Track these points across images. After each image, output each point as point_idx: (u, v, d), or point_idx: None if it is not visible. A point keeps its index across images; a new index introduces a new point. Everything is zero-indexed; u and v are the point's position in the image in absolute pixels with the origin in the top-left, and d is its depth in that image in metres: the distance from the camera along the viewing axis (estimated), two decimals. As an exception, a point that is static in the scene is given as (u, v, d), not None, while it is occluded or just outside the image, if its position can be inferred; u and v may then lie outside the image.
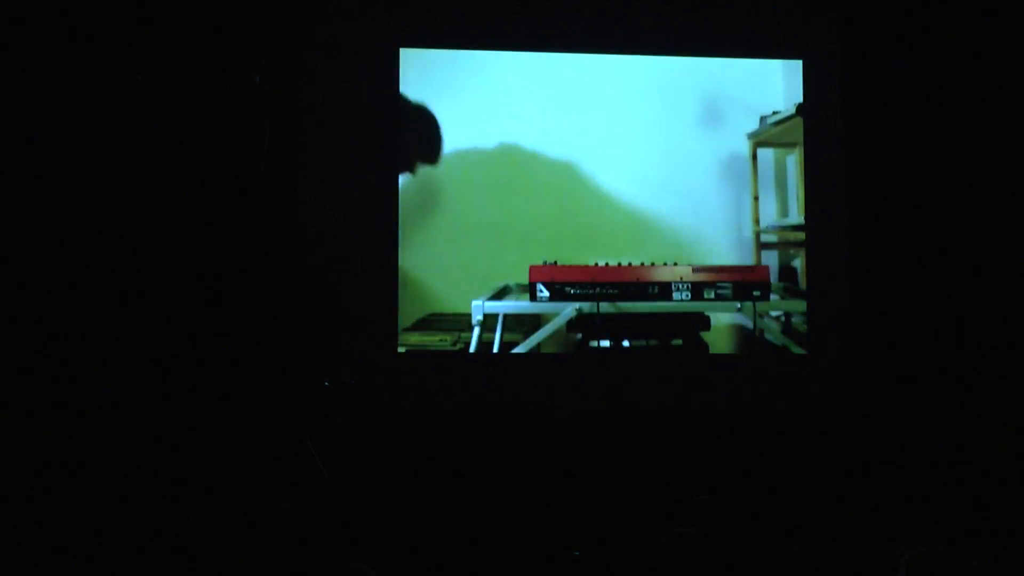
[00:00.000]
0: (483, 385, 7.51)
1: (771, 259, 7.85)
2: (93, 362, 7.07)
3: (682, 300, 7.66)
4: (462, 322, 7.54)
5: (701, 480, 6.98)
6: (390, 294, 7.51)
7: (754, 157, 7.87)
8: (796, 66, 7.91)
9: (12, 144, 7.14)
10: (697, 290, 7.66)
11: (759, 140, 7.88)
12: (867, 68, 7.85)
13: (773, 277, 7.79)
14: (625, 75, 7.82)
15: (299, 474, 6.37)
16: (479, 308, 7.51)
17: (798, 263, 7.87)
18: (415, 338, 7.52)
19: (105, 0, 7.17)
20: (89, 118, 7.18)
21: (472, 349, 7.53)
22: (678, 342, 7.74)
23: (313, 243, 7.46)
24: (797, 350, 7.79)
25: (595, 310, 7.59)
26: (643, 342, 7.71)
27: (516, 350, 7.59)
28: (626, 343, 7.71)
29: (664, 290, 7.65)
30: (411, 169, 7.63)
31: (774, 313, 7.82)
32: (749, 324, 7.73)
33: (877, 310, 7.74)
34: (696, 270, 7.68)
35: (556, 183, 7.73)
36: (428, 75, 7.68)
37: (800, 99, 7.88)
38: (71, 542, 5.56)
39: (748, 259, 7.80)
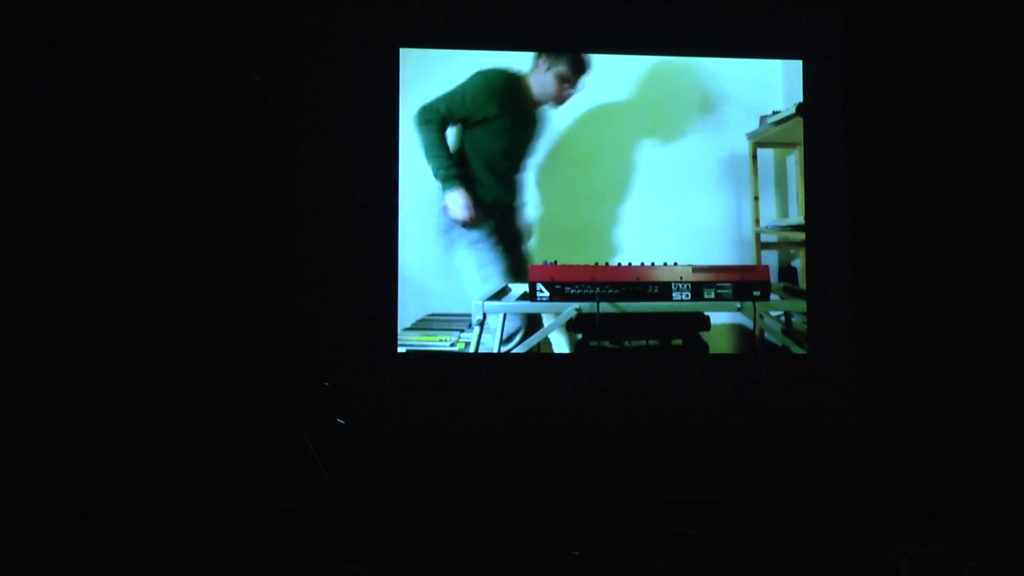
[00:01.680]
0: (483, 385, 7.51)
1: (771, 259, 7.85)
2: (93, 362, 7.07)
3: (682, 300, 7.66)
4: (462, 322, 7.54)
5: (701, 480, 6.98)
6: (390, 294, 7.52)
7: (754, 157, 7.87)
8: (796, 66, 7.91)
9: (12, 144, 7.14)
10: (697, 290, 7.66)
11: (759, 140, 7.88)
12: (867, 68, 7.84)
13: (773, 277, 7.79)
14: (625, 75, 7.81)
15: (299, 474, 6.37)
16: (479, 308, 7.51)
17: (798, 263, 7.87)
18: (415, 338, 7.53)
19: (105, 0, 7.17)
20: (89, 118, 7.18)
21: (472, 349, 7.53)
22: (678, 342, 7.74)
23: (313, 243, 7.46)
24: (797, 350, 7.79)
25: (595, 310, 7.58)
26: (643, 342, 7.71)
27: (516, 350, 7.59)
28: (626, 343, 7.71)
29: (664, 290, 7.65)
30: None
31: (774, 313, 7.82)
32: (749, 324, 7.73)
33: (877, 310, 7.74)
34: (696, 270, 7.68)
35: (556, 183, 7.73)
36: (428, 75, 7.68)
37: (800, 99, 7.88)
38: (71, 542, 5.56)
39: (748, 259, 7.80)
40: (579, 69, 7.72)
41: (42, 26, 7.16)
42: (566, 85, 7.69)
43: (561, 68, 7.68)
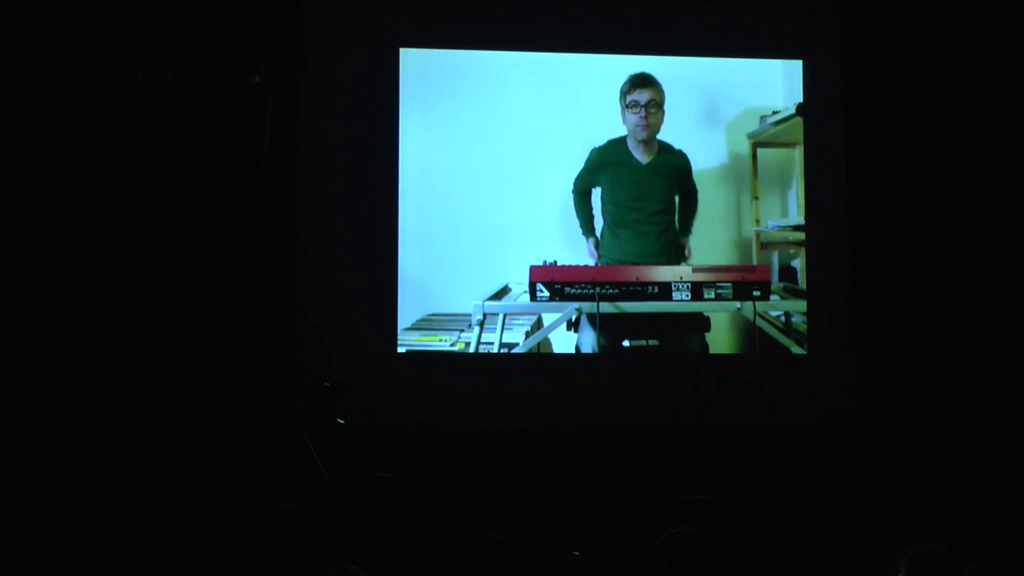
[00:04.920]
0: (483, 385, 7.51)
1: (771, 259, 7.85)
2: (93, 362, 7.07)
3: (682, 300, 7.66)
4: (462, 322, 7.54)
5: (701, 480, 6.98)
6: (390, 294, 7.52)
7: (754, 157, 7.87)
8: (796, 66, 7.91)
9: (12, 144, 7.14)
10: (697, 290, 7.66)
11: (759, 140, 7.88)
12: (867, 68, 7.84)
13: (773, 277, 7.79)
14: (625, 75, 7.80)
15: (299, 474, 6.37)
16: (479, 308, 7.51)
17: (798, 263, 7.86)
18: (415, 338, 7.53)
19: (105, 0, 7.17)
20: (89, 118, 7.18)
21: (472, 349, 7.53)
22: (679, 342, 7.74)
23: (313, 243, 7.46)
24: (797, 350, 7.79)
25: (595, 310, 7.58)
26: (643, 342, 7.71)
27: (516, 350, 7.58)
28: (626, 343, 7.71)
29: (664, 290, 7.65)
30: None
31: (774, 313, 7.82)
32: (749, 324, 7.72)
33: (877, 310, 7.74)
34: (696, 270, 7.68)
35: (557, 183, 7.73)
36: (428, 75, 7.69)
37: (800, 99, 7.88)
38: (70, 542, 5.56)
39: (748, 259, 7.80)
40: (637, 83, 7.73)
41: (42, 26, 7.16)
42: (635, 109, 7.67)
43: (625, 91, 7.72)
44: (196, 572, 5.31)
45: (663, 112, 7.74)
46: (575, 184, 7.70)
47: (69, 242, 7.14)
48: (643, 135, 7.69)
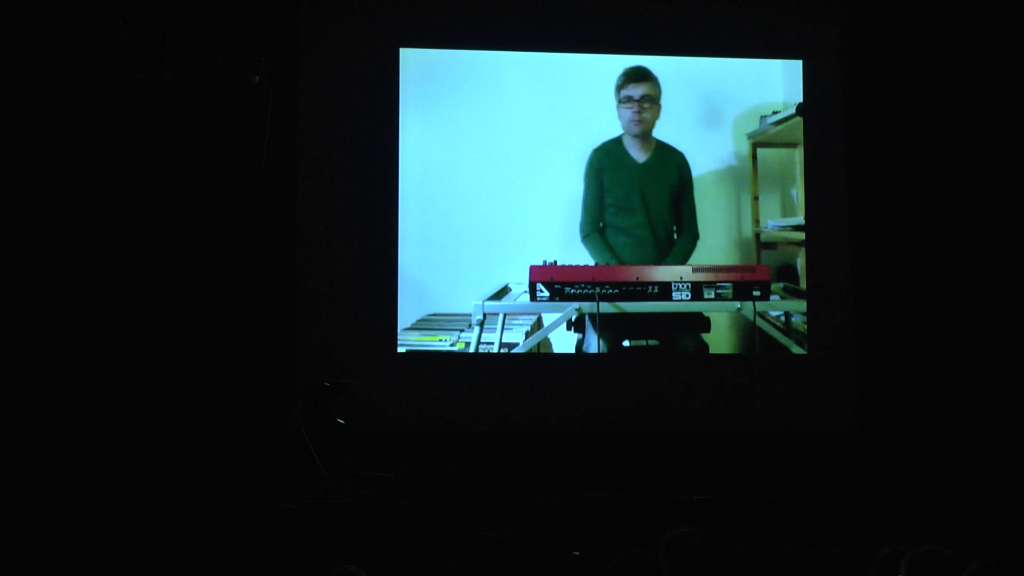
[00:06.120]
0: (483, 385, 7.51)
1: (771, 259, 7.85)
2: (92, 362, 7.07)
3: (682, 300, 7.66)
4: (462, 322, 7.54)
5: (701, 480, 6.98)
6: (390, 294, 7.52)
7: (754, 157, 7.87)
8: (796, 66, 7.91)
9: (13, 144, 7.15)
10: (697, 290, 7.66)
11: (759, 140, 7.88)
12: (867, 68, 7.85)
13: (773, 277, 7.79)
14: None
15: (299, 474, 6.37)
16: (479, 308, 7.51)
17: (798, 263, 7.86)
18: (415, 338, 7.53)
19: (106, 0, 7.17)
20: (89, 118, 7.18)
21: (472, 349, 7.53)
22: (678, 342, 7.74)
23: (313, 243, 7.46)
24: (797, 350, 7.79)
25: (595, 310, 7.58)
26: (643, 342, 7.71)
27: (516, 350, 7.59)
28: (626, 343, 7.71)
29: (664, 290, 7.65)
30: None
31: (774, 313, 7.82)
32: (749, 325, 7.73)
33: (877, 310, 7.74)
34: (696, 270, 7.68)
35: (556, 183, 7.74)
36: (428, 75, 7.69)
37: (800, 99, 7.88)
38: (70, 541, 5.56)
39: (748, 259, 7.80)
40: (631, 77, 7.71)
41: (42, 26, 7.16)
42: (629, 104, 7.66)
43: (619, 86, 7.70)
44: (196, 572, 5.31)
45: (659, 107, 7.74)
46: (581, 228, 7.67)
47: (69, 242, 7.14)
48: (637, 130, 7.69)
